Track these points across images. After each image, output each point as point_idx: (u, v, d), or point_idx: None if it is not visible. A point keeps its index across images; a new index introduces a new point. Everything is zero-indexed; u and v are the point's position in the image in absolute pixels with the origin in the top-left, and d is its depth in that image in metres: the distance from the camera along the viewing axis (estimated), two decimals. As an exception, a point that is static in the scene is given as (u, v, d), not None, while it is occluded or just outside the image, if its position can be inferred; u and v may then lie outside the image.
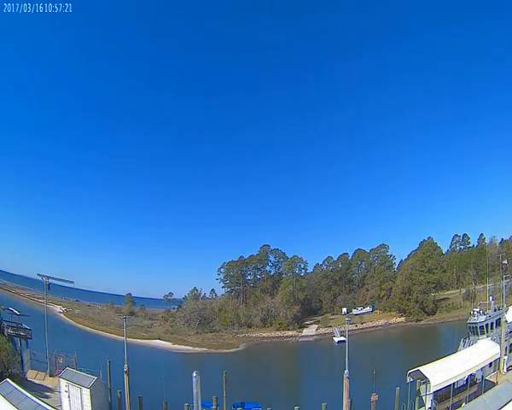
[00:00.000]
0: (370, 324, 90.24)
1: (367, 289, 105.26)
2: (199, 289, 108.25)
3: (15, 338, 36.35)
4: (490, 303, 35.58)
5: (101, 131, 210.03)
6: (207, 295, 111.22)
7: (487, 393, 19.60)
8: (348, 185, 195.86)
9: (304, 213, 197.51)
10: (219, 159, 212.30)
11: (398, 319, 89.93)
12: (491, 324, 32.64)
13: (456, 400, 23.98)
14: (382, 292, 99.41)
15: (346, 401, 26.98)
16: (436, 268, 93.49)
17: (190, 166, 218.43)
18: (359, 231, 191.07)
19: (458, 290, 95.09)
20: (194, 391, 14.46)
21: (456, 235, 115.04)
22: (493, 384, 24.86)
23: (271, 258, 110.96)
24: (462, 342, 34.41)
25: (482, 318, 32.98)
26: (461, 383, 25.31)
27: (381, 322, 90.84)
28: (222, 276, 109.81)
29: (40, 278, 38.60)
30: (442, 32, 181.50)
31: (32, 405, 19.58)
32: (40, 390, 29.99)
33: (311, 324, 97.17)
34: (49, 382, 32.57)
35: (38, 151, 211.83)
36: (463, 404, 22.57)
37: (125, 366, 30.64)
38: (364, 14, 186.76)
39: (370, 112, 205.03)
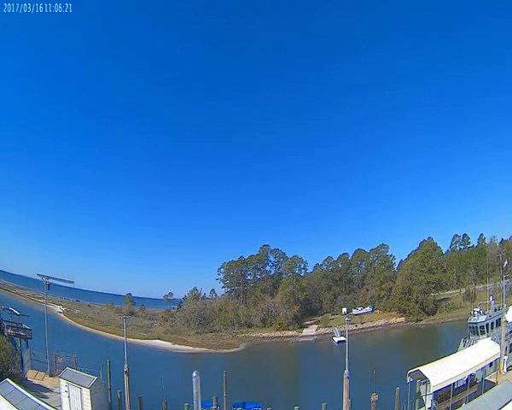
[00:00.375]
0: (370, 324, 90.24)
1: (367, 290, 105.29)
2: (199, 289, 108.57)
3: (15, 338, 36.33)
4: (490, 303, 35.62)
5: (102, 130, 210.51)
6: (207, 295, 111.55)
7: (487, 393, 19.60)
8: (348, 186, 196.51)
9: (304, 214, 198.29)
10: (219, 159, 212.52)
11: (398, 319, 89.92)
12: (492, 324, 32.65)
13: (456, 400, 23.95)
14: (382, 292, 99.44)
15: (346, 401, 26.97)
16: (436, 268, 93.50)
17: (190, 166, 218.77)
18: (359, 231, 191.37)
19: (458, 290, 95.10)
20: (194, 391, 14.47)
21: (456, 235, 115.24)
22: (493, 384, 24.84)
23: (271, 258, 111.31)
24: (462, 342, 34.42)
25: (482, 318, 32.99)
26: (461, 383, 25.29)
27: (381, 322, 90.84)
28: (222, 276, 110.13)
29: (40, 278, 38.62)
30: (442, 33, 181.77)
31: (32, 405, 19.58)
32: (40, 390, 29.99)
33: (311, 324, 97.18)
34: (49, 382, 32.54)
35: (38, 149, 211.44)
36: (463, 404, 22.57)
37: (125, 366, 30.63)
38: (364, 15, 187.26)
39: (370, 113, 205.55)
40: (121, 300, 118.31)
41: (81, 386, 26.11)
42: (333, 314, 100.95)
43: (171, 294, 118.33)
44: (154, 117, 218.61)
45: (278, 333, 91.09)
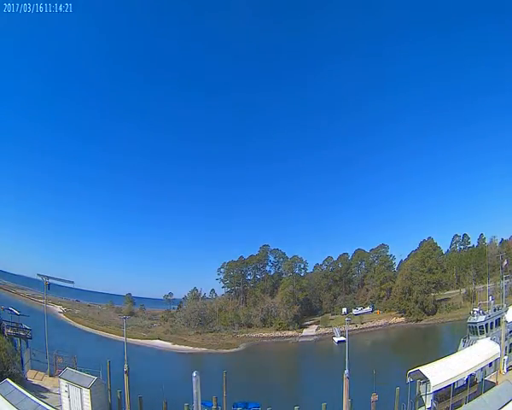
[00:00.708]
0: (370, 324, 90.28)
1: (367, 290, 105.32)
2: (199, 290, 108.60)
3: (15, 338, 36.34)
4: (490, 303, 35.62)
5: (103, 129, 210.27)
6: (207, 296, 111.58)
7: (487, 393, 19.61)
8: (349, 187, 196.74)
9: (304, 214, 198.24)
10: (219, 159, 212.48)
11: (398, 319, 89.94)
12: (491, 324, 32.67)
13: (456, 400, 23.94)
14: (382, 292, 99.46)
15: (346, 401, 26.96)
16: (436, 268, 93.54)
17: (190, 166, 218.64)
18: (359, 231, 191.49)
19: (458, 290, 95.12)
20: (194, 391, 14.43)
21: (456, 235, 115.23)
22: (493, 384, 24.84)
23: (271, 258, 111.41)
24: (462, 342, 34.43)
25: (482, 318, 33.01)
26: (461, 383, 25.28)
27: (381, 322, 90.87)
28: (222, 276, 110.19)
29: (40, 278, 38.59)
30: (441, 34, 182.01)
31: (32, 405, 19.58)
32: (40, 390, 29.99)
33: (311, 324, 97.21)
34: (49, 382, 32.53)
35: (38, 146, 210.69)
36: (463, 404, 22.54)
37: (125, 366, 30.61)
38: (364, 17, 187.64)
39: (370, 115, 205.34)
40: (121, 300, 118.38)
41: (81, 386, 26.08)
42: (333, 314, 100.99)
43: (171, 294, 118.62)
44: (154, 116, 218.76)
45: (278, 333, 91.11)
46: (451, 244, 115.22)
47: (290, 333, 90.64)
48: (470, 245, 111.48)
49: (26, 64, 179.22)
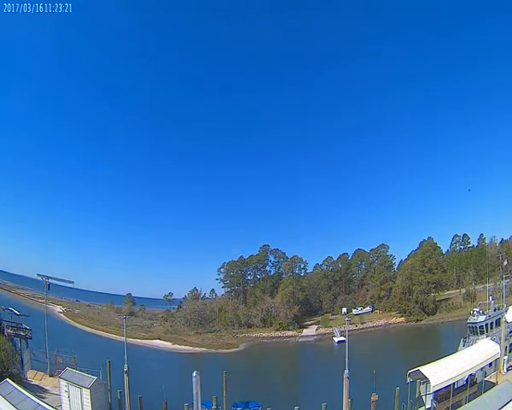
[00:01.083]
0: (370, 324, 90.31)
1: (367, 290, 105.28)
2: (199, 289, 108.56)
3: (15, 338, 36.35)
4: (490, 303, 35.67)
5: (103, 128, 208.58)
6: (207, 295, 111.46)
7: (487, 393, 19.64)
8: (349, 187, 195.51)
9: (304, 215, 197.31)
10: (220, 159, 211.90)
11: (398, 319, 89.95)
12: (491, 324, 32.72)
13: (456, 400, 23.95)
14: (382, 292, 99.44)
15: (346, 401, 26.96)
16: (436, 268, 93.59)
17: (191, 166, 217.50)
18: (359, 231, 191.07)
19: (458, 290, 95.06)
20: (194, 391, 14.44)
21: (456, 235, 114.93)
22: (493, 384, 24.85)
23: (271, 258, 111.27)
24: (462, 342, 34.47)
25: (482, 318, 33.05)
26: (461, 383, 25.29)
27: (381, 322, 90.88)
28: (222, 276, 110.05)
29: (40, 278, 38.57)
30: (441, 35, 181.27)
31: (32, 405, 19.60)
32: (40, 390, 30.03)
33: (311, 324, 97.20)
34: (49, 382, 32.56)
35: (39, 141, 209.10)
36: (463, 404, 22.55)
37: (125, 366, 30.65)
38: (363, 19, 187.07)
39: (371, 115, 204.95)
40: (121, 300, 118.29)
41: (81, 386, 26.09)
42: (333, 314, 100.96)
43: (171, 294, 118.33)
44: (154, 115, 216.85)
45: (278, 333, 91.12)
46: (451, 244, 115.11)
47: (290, 333, 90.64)
48: (470, 245, 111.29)
49: (26, 64, 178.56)
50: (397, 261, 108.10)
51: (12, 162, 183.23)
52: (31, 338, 37.15)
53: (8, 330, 35.72)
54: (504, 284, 48.91)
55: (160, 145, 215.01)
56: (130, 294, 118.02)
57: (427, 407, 25.07)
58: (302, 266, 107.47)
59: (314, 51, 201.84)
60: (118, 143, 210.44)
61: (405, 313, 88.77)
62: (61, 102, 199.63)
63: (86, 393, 25.88)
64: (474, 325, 33.58)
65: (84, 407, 25.97)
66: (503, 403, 17.76)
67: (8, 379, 22.32)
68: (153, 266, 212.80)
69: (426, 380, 24.56)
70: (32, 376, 33.57)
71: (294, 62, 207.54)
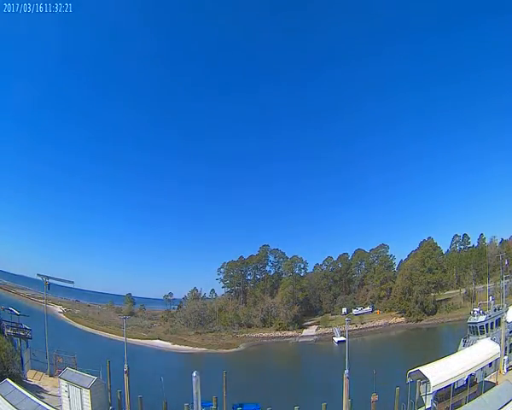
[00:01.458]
0: (370, 324, 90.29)
1: (367, 290, 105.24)
2: (199, 289, 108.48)
3: (15, 338, 36.33)
4: (490, 303, 35.70)
5: (103, 126, 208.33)
6: (207, 295, 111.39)
7: (487, 393, 19.65)
8: (349, 187, 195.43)
9: (304, 215, 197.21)
10: (220, 159, 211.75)
11: (398, 320, 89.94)
12: (491, 324, 32.75)
13: (456, 400, 23.94)
14: (382, 292, 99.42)
15: (346, 401, 26.98)
16: (436, 268, 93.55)
17: (191, 165, 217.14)
18: (359, 231, 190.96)
19: (458, 291, 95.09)
20: (194, 391, 14.43)
21: (456, 235, 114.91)
22: (493, 384, 24.85)
23: (271, 258, 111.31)
24: (462, 342, 34.50)
25: (482, 318, 33.09)
26: (461, 383, 25.29)
27: (381, 322, 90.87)
28: (222, 276, 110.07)
29: (40, 278, 38.56)
30: (441, 36, 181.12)
31: (32, 405, 19.60)
32: (40, 390, 30.02)
33: (311, 324, 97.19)
34: (49, 382, 32.55)
35: (39, 137, 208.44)
36: (463, 404, 22.55)
37: (125, 366, 30.65)
38: (363, 19, 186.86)
39: (371, 116, 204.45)
40: (121, 300, 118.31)
41: (81, 386, 26.08)
42: (333, 314, 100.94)
43: (171, 294, 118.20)
44: (155, 114, 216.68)
45: (278, 333, 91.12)
46: (451, 244, 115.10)
47: (290, 333, 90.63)
48: (470, 245, 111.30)
49: (25, 64, 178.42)
50: (397, 261, 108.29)
51: (13, 159, 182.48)
52: (31, 338, 37.10)
53: (8, 330, 35.68)
54: (504, 284, 49.01)
55: (159, 143, 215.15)
56: (130, 294, 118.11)
57: (427, 407, 25.07)
58: (302, 266, 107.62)
59: (314, 51, 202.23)
60: (118, 142, 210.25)
61: (405, 313, 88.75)
62: (63, 101, 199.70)
63: (86, 393, 25.87)
64: (474, 325, 33.61)
65: (84, 407, 25.96)
66: (503, 403, 17.76)
67: (8, 379, 22.33)
68: (153, 266, 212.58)
69: (426, 380, 24.55)
70: (32, 376, 33.56)
71: (295, 62, 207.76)
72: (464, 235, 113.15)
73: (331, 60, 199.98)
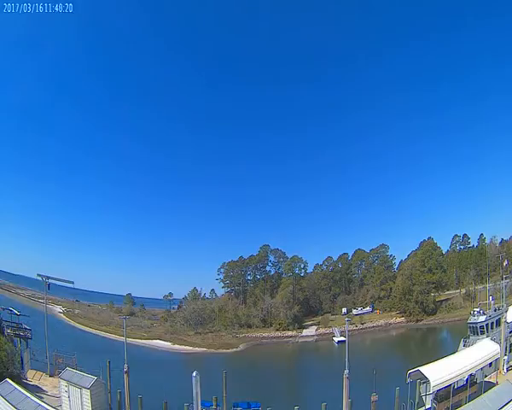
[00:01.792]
0: (370, 324, 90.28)
1: (367, 290, 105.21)
2: (199, 290, 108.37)
3: (15, 338, 36.30)
4: (490, 303, 35.72)
5: (103, 125, 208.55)
6: (207, 296, 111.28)
7: (487, 393, 19.61)
8: (349, 187, 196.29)
9: (304, 215, 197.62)
10: (220, 159, 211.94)
11: (398, 320, 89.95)
12: (491, 324, 32.75)
13: (456, 400, 23.93)
14: (382, 292, 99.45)
15: (346, 401, 26.95)
16: (436, 268, 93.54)
17: (191, 165, 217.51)
18: (359, 231, 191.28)
19: (458, 291, 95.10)
20: (194, 391, 14.47)
21: (456, 235, 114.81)
22: (493, 384, 24.83)
23: (271, 258, 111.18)
24: (462, 342, 34.50)
25: (482, 318, 33.08)
26: (461, 383, 25.27)
27: (381, 322, 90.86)
28: (222, 276, 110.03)
29: (40, 278, 38.57)
30: (442, 36, 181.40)
31: (32, 405, 19.55)
32: (40, 390, 30.01)
33: (311, 324, 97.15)
34: (49, 382, 32.56)
35: (40, 134, 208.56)
36: (463, 404, 22.54)
37: (125, 366, 30.65)
38: (367, 19, 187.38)
39: (371, 117, 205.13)
40: (121, 300, 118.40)
41: (81, 386, 26.08)
42: (333, 314, 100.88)
43: (171, 294, 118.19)
44: (155, 113, 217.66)
45: (278, 333, 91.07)
46: (451, 244, 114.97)
47: (290, 333, 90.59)
48: (470, 245, 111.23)
49: (26, 64, 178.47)
50: (397, 261, 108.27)
51: (13, 159, 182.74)
52: (31, 338, 37.09)
53: (8, 331, 35.62)
54: (504, 284, 48.98)
55: (160, 144, 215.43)
56: (130, 294, 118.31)
57: (427, 407, 25.06)
58: (302, 266, 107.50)
59: (315, 52, 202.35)
60: (118, 141, 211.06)
61: (405, 313, 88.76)
62: (64, 100, 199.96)
63: (86, 393, 25.87)
64: (474, 325, 33.61)
65: (84, 407, 25.96)
66: (503, 403, 17.72)
67: (8, 379, 22.27)
68: (153, 266, 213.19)
69: (426, 380, 24.53)
70: (32, 376, 33.56)
71: (295, 63, 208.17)
72: (464, 235, 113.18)
73: (331, 60, 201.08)
